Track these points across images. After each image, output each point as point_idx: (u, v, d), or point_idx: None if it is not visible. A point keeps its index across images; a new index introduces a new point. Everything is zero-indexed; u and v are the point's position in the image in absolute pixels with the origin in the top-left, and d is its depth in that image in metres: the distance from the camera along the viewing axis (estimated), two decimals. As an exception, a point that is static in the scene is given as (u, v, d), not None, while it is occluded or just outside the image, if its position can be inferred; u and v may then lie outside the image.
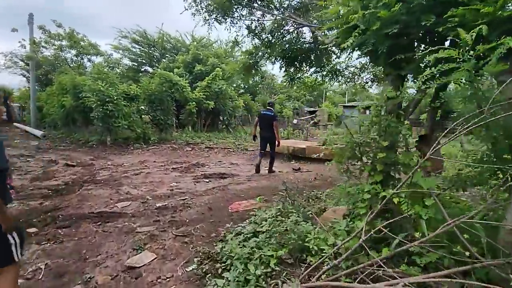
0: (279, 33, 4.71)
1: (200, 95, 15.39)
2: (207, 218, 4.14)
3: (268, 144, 7.10)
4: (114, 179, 6.54)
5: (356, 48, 2.65)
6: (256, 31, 5.04)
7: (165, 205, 4.74)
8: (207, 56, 17.80)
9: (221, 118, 19.62)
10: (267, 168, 7.78)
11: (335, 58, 5.31)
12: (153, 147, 11.71)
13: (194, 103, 14.97)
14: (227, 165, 8.81)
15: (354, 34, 2.35)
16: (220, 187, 6.00)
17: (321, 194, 4.81)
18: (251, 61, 5.26)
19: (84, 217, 4.15)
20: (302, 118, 21.33)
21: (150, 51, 21.13)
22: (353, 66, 5.49)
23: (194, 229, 3.73)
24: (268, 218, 2.82)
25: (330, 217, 3.12)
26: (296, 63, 4.75)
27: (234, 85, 20.63)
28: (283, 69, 5.37)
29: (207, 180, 6.66)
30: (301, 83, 6.60)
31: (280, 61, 5.00)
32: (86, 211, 4.37)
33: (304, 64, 5.04)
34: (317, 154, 8.91)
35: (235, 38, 5.49)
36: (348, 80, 5.63)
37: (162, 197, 5.21)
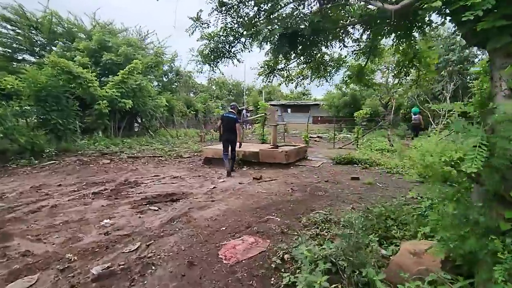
0: (271, 6, 3.42)
1: (113, 92, 12.39)
2: (196, 285, 2.56)
3: (229, 146, 7.16)
4: (-9, 226, 3.95)
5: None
6: (232, 4, 3.58)
7: (109, 267, 2.85)
8: (118, 44, 14.63)
9: (139, 119, 16.66)
10: (223, 180, 6.83)
11: (355, 38, 4.36)
12: (50, 162, 8.48)
13: (105, 101, 11.91)
14: (169, 179, 6.92)
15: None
16: (180, 217, 4.31)
17: (329, 214, 3.83)
18: (223, 45, 3.80)
19: None
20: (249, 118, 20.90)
21: (31, 35, 16.04)
22: (338, 58, 4.72)
23: (188, 317, 2.15)
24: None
25: (412, 266, 2.11)
26: (287, 47, 3.57)
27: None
28: (268, 55, 4.14)
29: (155, 208, 4.78)
30: (283, 77, 5.47)
31: (269, 45, 3.72)
32: None
33: (299, 49, 3.88)
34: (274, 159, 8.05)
35: (197, 14, 3.88)
36: (329, 73, 4.86)
37: (96, 252, 3.23)
